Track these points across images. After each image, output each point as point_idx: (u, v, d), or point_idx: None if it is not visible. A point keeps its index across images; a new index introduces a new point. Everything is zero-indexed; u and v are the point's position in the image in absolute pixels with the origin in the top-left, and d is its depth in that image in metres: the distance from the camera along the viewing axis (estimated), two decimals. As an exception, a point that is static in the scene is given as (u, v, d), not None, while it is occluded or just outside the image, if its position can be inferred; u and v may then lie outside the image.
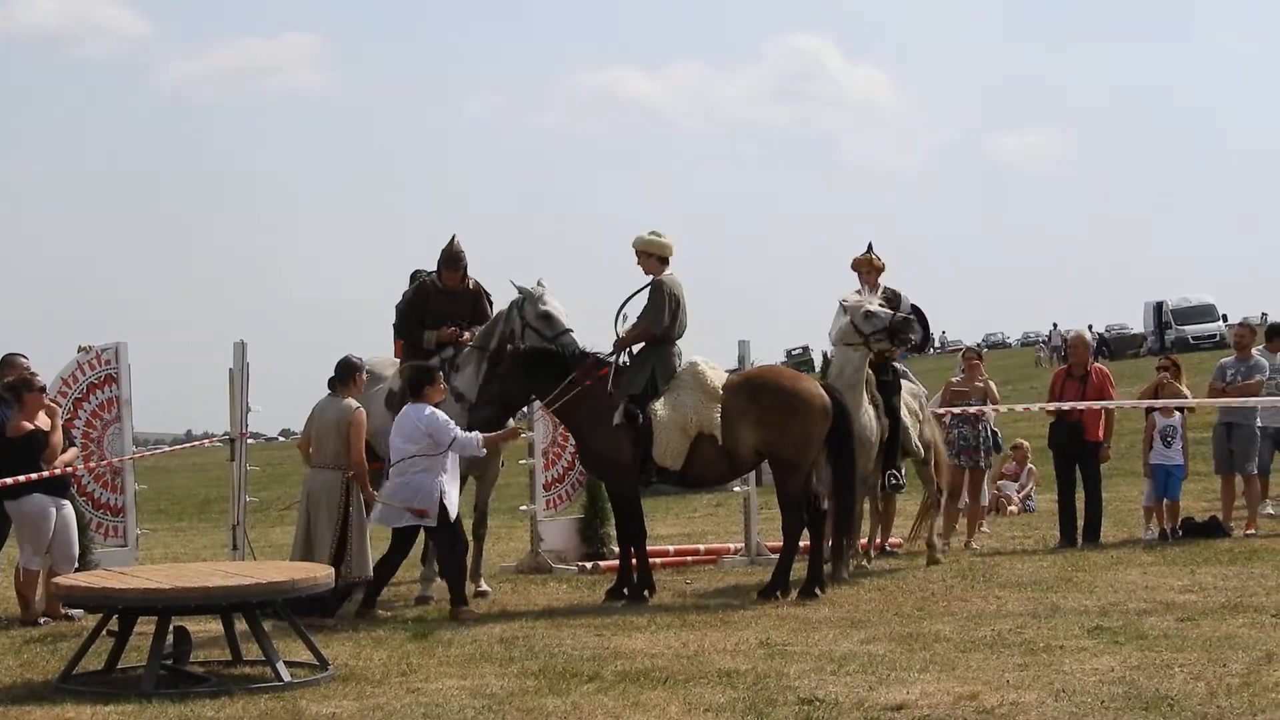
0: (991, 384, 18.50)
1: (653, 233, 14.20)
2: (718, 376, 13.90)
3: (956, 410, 17.53)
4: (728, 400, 13.73)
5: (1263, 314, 62.89)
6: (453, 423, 13.06)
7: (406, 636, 11.99)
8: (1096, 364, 17.89)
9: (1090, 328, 78.72)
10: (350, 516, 12.77)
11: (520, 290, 14.27)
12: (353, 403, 12.99)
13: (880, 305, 14.74)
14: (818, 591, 13.59)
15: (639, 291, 14.10)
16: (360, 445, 12.94)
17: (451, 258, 15.05)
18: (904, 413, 15.36)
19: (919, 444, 15.69)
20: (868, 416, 14.61)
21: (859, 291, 15.04)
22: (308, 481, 13.06)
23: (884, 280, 15.35)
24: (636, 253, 14.19)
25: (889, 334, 14.60)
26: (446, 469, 12.98)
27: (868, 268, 15.42)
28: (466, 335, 14.78)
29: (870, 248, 15.54)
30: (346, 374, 13.14)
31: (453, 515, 13.03)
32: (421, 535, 15.16)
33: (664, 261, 14.13)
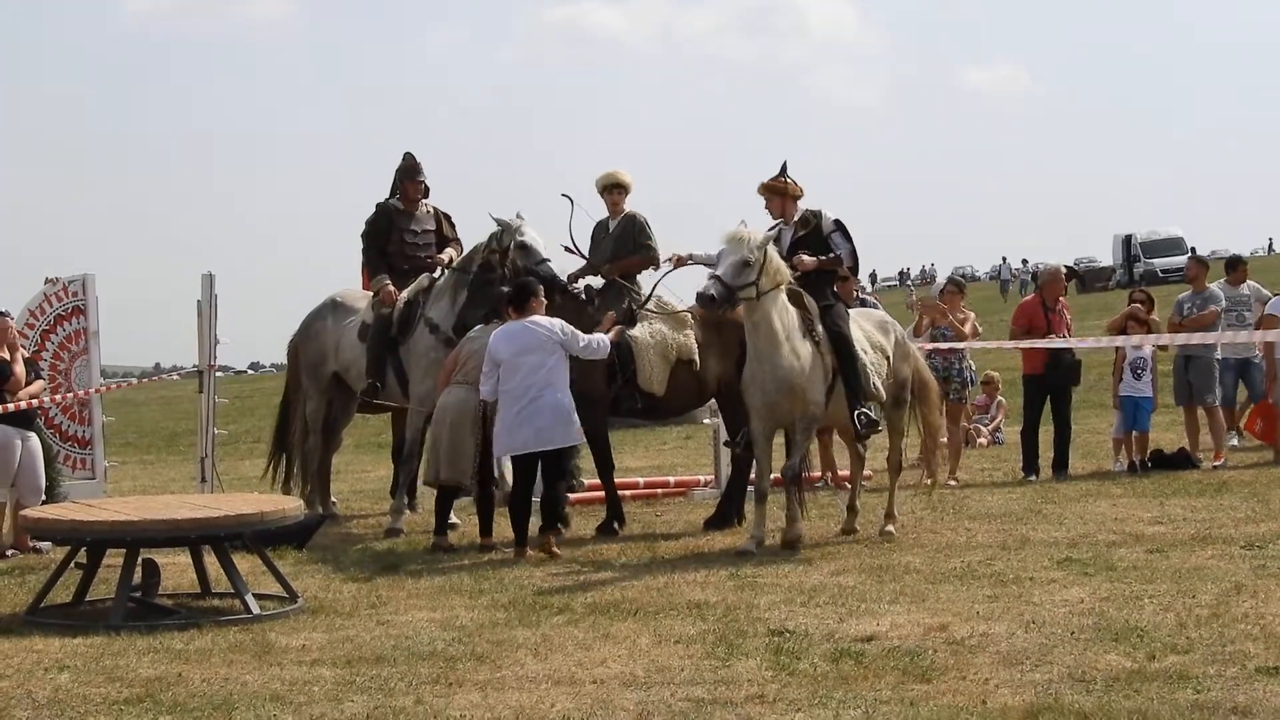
0: (972, 316, 18.33)
1: (611, 170, 14.54)
2: (679, 305, 14.13)
3: (944, 347, 17.31)
4: (697, 331, 13.95)
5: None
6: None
7: (376, 569, 11.98)
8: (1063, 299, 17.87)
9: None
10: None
11: (499, 222, 14.20)
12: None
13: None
14: (737, 521, 13.83)
15: (571, 218, 14.23)
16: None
17: (410, 169, 15.26)
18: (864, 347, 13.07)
19: (878, 385, 13.00)
20: (792, 358, 12.33)
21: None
22: (441, 399, 13.03)
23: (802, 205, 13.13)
24: (602, 190, 14.47)
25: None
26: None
27: (780, 194, 13.08)
28: (400, 294, 14.71)
29: (784, 169, 13.09)
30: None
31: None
32: (391, 468, 15.15)
33: (625, 194, 14.44)
